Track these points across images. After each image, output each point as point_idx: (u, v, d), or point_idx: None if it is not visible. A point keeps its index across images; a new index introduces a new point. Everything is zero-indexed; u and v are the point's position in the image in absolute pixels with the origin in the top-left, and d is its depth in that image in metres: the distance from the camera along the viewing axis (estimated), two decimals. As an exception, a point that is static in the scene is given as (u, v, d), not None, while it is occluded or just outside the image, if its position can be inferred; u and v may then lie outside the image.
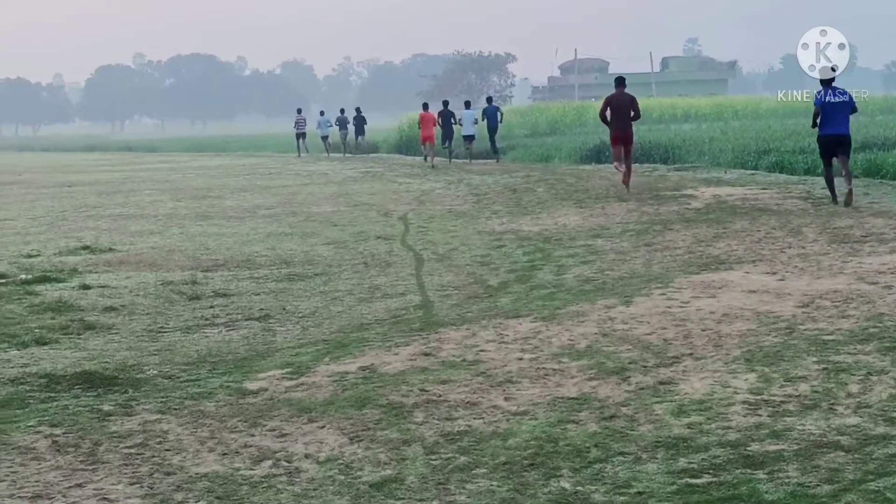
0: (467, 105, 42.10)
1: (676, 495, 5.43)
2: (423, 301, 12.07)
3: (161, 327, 11.09)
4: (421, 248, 16.59)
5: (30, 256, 16.61)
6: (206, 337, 10.58)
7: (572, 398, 7.27)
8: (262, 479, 5.95)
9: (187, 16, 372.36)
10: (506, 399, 7.34)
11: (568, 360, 8.34)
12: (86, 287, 13.40)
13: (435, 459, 6.14)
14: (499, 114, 40.74)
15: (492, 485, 5.70)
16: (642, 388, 7.42)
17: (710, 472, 5.74)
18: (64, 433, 6.93)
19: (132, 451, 6.54)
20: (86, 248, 17.47)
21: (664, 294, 10.76)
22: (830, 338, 8.58)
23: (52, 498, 5.79)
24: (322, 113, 56.18)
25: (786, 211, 17.51)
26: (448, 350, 8.89)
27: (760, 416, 6.67)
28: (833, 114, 18.97)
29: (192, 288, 13.32)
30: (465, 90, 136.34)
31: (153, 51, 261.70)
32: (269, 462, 6.24)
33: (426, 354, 8.78)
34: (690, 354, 8.32)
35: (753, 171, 27.07)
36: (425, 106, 41.98)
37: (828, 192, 18.99)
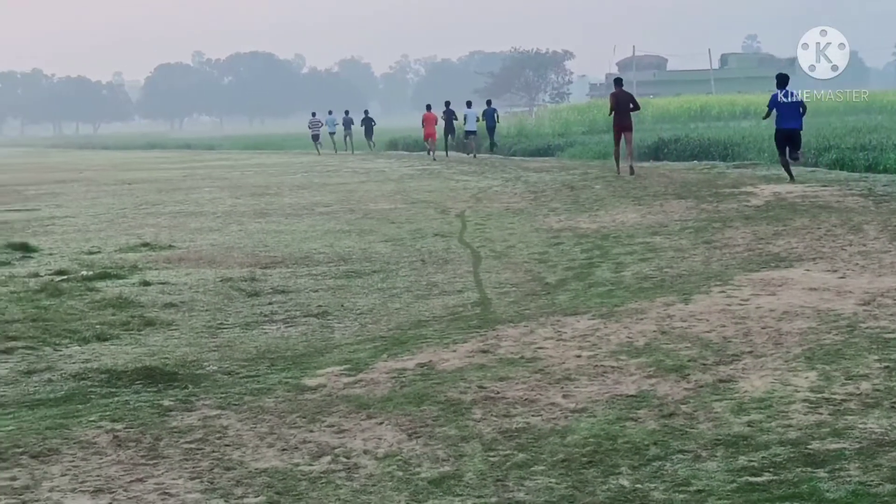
0: (468, 105, 45.81)
1: (736, 493, 5.40)
2: (480, 298, 12.07)
3: (220, 324, 11.15)
4: (478, 245, 16.59)
5: (91, 253, 16.76)
6: (265, 333, 10.63)
7: (631, 396, 7.24)
8: (321, 475, 5.97)
9: (246, 14, 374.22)
10: (564, 396, 7.32)
11: (626, 357, 8.32)
12: (146, 283, 13.50)
13: (493, 456, 6.14)
14: (496, 114, 45.85)
15: (550, 482, 5.69)
16: (702, 386, 7.38)
17: (771, 470, 5.70)
18: (125, 428, 6.99)
19: (192, 446, 6.58)
20: (146, 244, 17.59)
21: (724, 292, 10.69)
22: (892, 336, 8.49)
23: (113, 492, 5.83)
24: (330, 112, 61.25)
25: (846, 208, 17.35)
26: (506, 347, 8.89)
27: (821, 414, 6.62)
28: (786, 112, 23.12)
29: (251, 285, 13.38)
30: (523, 87, 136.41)
31: (212, 49, 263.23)
32: (328, 458, 6.26)
33: (484, 351, 8.78)
34: (750, 352, 8.27)
35: (813, 169, 26.84)
36: (428, 107, 47.31)
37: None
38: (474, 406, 7.16)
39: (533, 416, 6.89)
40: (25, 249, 17.07)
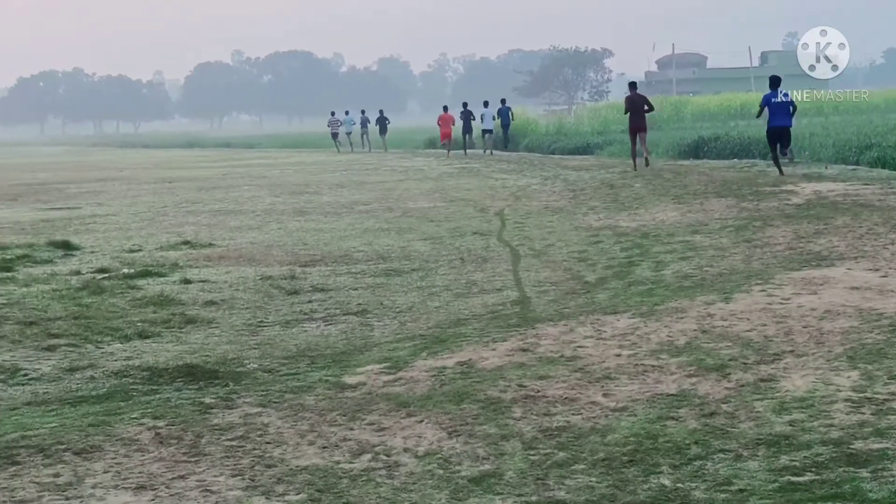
0: (485, 104, 48.11)
1: (778, 493, 5.38)
2: (520, 297, 12.06)
3: (261, 321, 11.19)
4: (517, 243, 16.57)
5: (132, 251, 16.85)
6: (305, 331, 10.66)
7: (672, 395, 7.23)
8: (362, 473, 5.98)
9: (285, 13, 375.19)
10: (604, 395, 7.31)
11: (667, 356, 8.29)
12: (187, 281, 13.56)
13: (533, 455, 6.14)
14: (510, 113, 49.03)
15: (591, 481, 5.69)
16: (743, 385, 7.35)
17: (813, 470, 5.68)
18: (167, 425, 7.02)
19: (233, 443, 6.61)
20: (186, 243, 17.68)
21: (764, 291, 10.64)
22: (935, 335, 8.44)
23: (155, 489, 5.86)
24: (347, 112, 63.53)
25: (889, 207, 17.23)
26: (546, 346, 8.88)
27: (864, 413, 6.58)
28: (778, 111, 25.47)
29: (291, 283, 13.42)
30: (562, 85, 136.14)
31: (251, 48, 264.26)
32: (369, 456, 6.27)
33: (524, 350, 8.78)
34: (792, 351, 8.23)
35: (855, 167, 26.67)
36: (445, 108, 51.49)
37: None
38: (514, 405, 7.16)
39: (573, 414, 6.89)
40: (67, 247, 17.18)
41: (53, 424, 7.17)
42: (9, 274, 14.44)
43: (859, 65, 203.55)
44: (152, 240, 18.31)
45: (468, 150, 48.78)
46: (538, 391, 7.47)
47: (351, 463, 6.16)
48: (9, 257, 16.02)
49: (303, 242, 17.50)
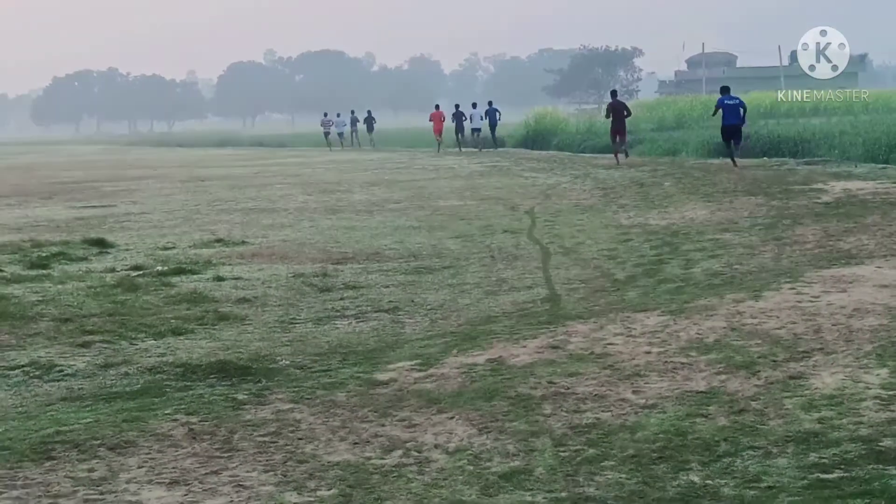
0: (474, 106, 52.31)
1: (807, 490, 5.36)
2: (550, 294, 12.06)
3: (293, 318, 11.22)
4: (548, 241, 16.57)
5: (165, 249, 16.91)
6: (337, 328, 10.69)
7: (701, 392, 7.21)
8: (393, 469, 5.99)
9: (317, 13, 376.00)
10: (634, 392, 7.30)
11: (696, 353, 8.27)
12: (220, 279, 13.61)
13: (563, 451, 6.13)
14: (497, 114, 51.92)
15: (620, 477, 5.68)
16: (772, 383, 7.33)
17: (842, 467, 5.65)
18: (200, 421, 7.05)
19: (266, 439, 6.63)
20: (219, 240, 17.74)
21: (794, 288, 10.59)
22: (965, 333, 8.39)
23: (188, 484, 5.89)
24: (338, 115, 68.21)
25: (918, 205, 17.13)
26: (575, 343, 8.87)
27: (893, 411, 6.55)
28: (729, 111, 29.72)
29: (323, 280, 13.45)
30: (592, 84, 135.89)
31: (284, 47, 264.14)
32: (400, 452, 6.28)
33: (554, 347, 8.77)
34: (821, 349, 8.19)
35: (884, 165, 26.53)
36: (437, 106, 56.09)
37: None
38: (544, 401, 7.16)
39: (603, 411, 6.88)
40: (102, 245, 17.27)
41: (88, 420, 7.21)
42: (44, 271, 14.52)
43: (889, 63, 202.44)
44: (186, 238, 18.38)
45: (462, 149, 51.44)
46: (568, 388, 7.46)
47: (382, 459, 6.17)
48: (44, 255, 16.11)
49: (335, 240, 17.54)
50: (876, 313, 9.27)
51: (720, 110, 30.09)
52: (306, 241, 17.60)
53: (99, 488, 5.84)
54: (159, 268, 14.57)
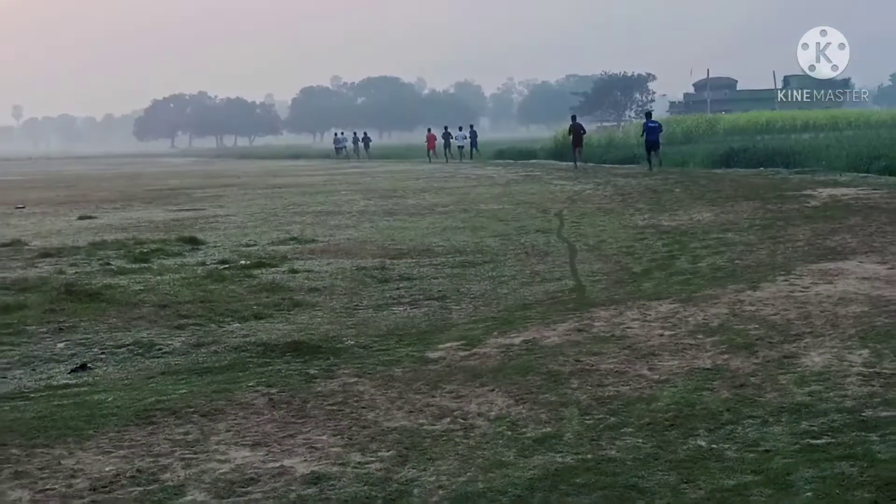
0: (460, 128, 59.91)
1: (799, 454, 5.33)
2: (576, 285, 12.03)
3: (356, 305, 11.25)
4: (574, 240, 16.52)
5: (248, 246, 16.98)
6: (394, 313, 10.70)
7: (707, 369, 7.18)
8: (442, 433, 6.00)
9: (377, 43, 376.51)
10: (649, 369, 7.28)
11: (703, 336, 8.23)
12: (294, 271, 13.65)
13: (588, 419, 6.12)
14: (476, 135, 59.29)
15: (638, 441, 5.67)
16: (768, 361, 7.29)
17: (829, 434, 5.62)
18: (278, 392, 7.08)
19: (334, 407, 6.65)
20: (293, 239, 17.78)
21: (787, 280, 10.53)
22: (937, 319, 8.31)
23: (269, 445, 5.92)
24: (342, 133, 78.48)
25: (895, 209, 16.96)
26: (599, 327, 8.85)
27: (873, 386, 6.50)
28: (650, 132, 35.22)
29: (382, 273, 13.47)
30: (612, 105, 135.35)
31: (348, 73, 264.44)
32: (448, 419, 6.29)
33: (580, 330, 8.75)
34: (811, 333, 8.14)
35: (865, 174, 26.26)
36: (429, 129, 64.50)
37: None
38: (572, 377, 7.15)
39: (622, 385, 6.86)
40: (194, 243, 17.36)
41: (183, 391, 7.26)
42: (146, 265, 14.62)
43: (869, 86, 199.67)
44: (265, 236, 18.45)
45: (450, 160, 56.63)
46: (592, 365, 7.45)
47: (433, 425, 6.18)
48: (146, 251, 16.22)
49: (391, 238, 17.55)
50: (858, 302, 9.20)
51: (645, 131, 35.96)
52: (367, 239, 17.62)
53: (193, 449, 5.88)
54: (242, 262, 14.63)
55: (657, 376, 7.06)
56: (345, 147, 73.97)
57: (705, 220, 17.76)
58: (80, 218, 23.93)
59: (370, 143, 73.10)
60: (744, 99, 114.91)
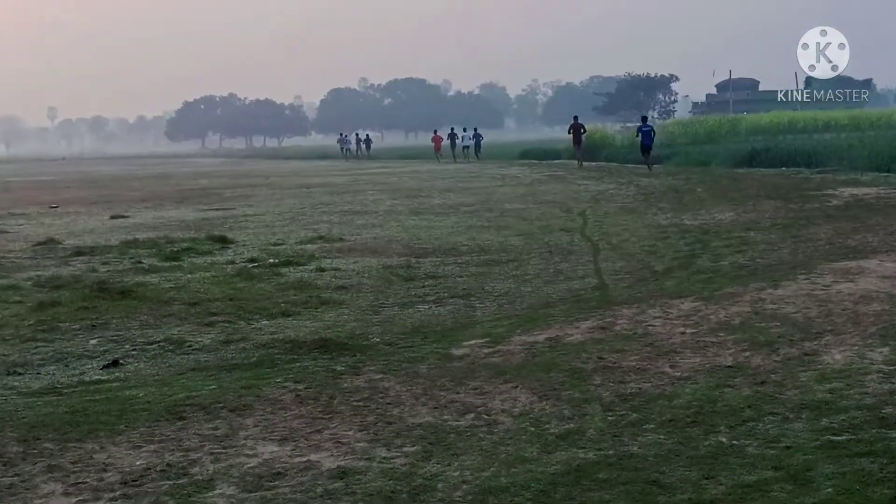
0: (465, 129, 63.99)
1: (819, 450, 5.30)
2: (599, 283, 12.00)
3: (382, 303, 11.25)
4: (597, 238, 16.48)
5: (276, 244, 17.02)
6: (419, 311, 10.70)
7: (728, 366, 7.15)
8: (467, 429, 6.00)
9: (403, 45, 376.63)
10: (671, 366, 7.25)
11: (724, 334, 8.20)
12: (321, 270, 13.67)
13: (611, 416, 6.11)
14: (480, 138, 62.27)
15: (659, 438, 5.65)
16: (789, 359, 7.25)
17: (849, 431, 5.59)
18: (305, 388, 7.09)
19: (360, 403, 6.66)
20: (321, 237, 17.81)
21: (808, 279, 10.47)
22: (957, 318, 8.24)
23: (296, 440, 5.93)
24: (345, 135, 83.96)
25: (916, 208, 16.85)
26: (621, 325, 8.83)
27: (894, 383, 6.45)
28: (645, 135, 37.90)
29: (408, 271, 13.48)
30: (635, 105, 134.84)
31: (375, 75, 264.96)
32: (472, 415, 6.28)
33: (602, 328, 8.73)
34: (831, 330, 8.09)
35: (887, 174, 26.14)
36: (435, 131, 69.13)
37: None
38: (595, 374, 7.13)
39: (644, 382, 6.84)
40: (224, 241, 17.41)
41: (213, 387, 7.29)
42: (176, 263, 14.68)
43: (891, 87, 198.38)
44: (293, 235, 18.49)
45: (458, 160, 60.08)
46: (615, 362, 7.43)
47: (457, 421, 6.18)
48: (176, 249, 16.29)
49: (417, 238, 17.56)
50: (879, 300, 9.15)
51: (639, 133, 38.58)
52: (393, 238, 17.64)
53: (222, 443, 5.90)
54: (271, 260, 14.67)
55: (679, 373, 7.04)
56: (349, 147, 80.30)
57: (727, 219, 17.70)
58: (113, 217, 24.07)
59: (371, 144, 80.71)
60: (765, 100, 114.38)
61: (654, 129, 40.05)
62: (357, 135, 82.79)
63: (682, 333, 8.33)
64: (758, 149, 36.89)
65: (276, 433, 6.09)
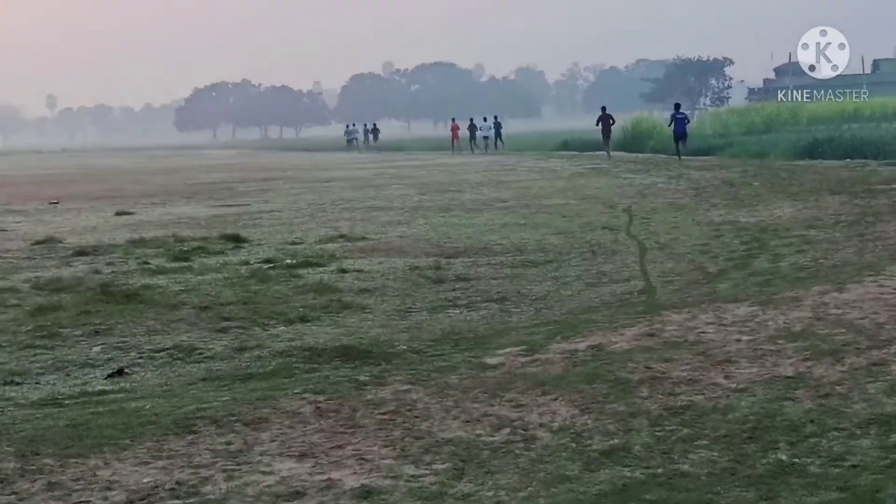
0: (485, 119, 65.26)
1: (890, 469, 5.26)
2: (646, 286, 11.97)
3: (409, 307, 11.26)
4: (644, 237, 16.45)
5: (294, 244, 17.08)
6: (450, 316, 10.71)
7: (788, 377, 7.10)
8: (502, 445, 5.99)
9: (431, 28, 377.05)
10: (725, 377, 7.22)
11: (784, 341, 8.15)
12: (343, 271, 13.70)
13: (659, 431, 6.09)
14: (501, 127, 65.01)
15: (713, 455, 5.62)
16: (856, 369, 7.20)
17: (923, 448, 5.54)
18: (326, 400, 7.10)
19: (385, 417, 6.66)
20: (342, 236, 17.85)
21: (876, 281, 10.39)
22: None
23: (316, 457, 5.94)
24: (353, 124, 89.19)
25: None
26: (670, 331, 8.79)
27: (972, 397, 6.40)
28: (678, 123, 40.66)
29: (437, 273, 13.49)
30: (685, 92, 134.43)
31: (401, 60, 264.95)
32: (508, 430, 6.27)
33: (650, 335, 8.70)
34: (902, 338, 8.03)
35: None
36: (453, 119, 71.79)
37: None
38: (641, 385, 7.11)
39: (696, 394, 6.81)
40: (237, 240, 17.48)
41: (226, 398, 7.31)
42: (186, 263, 14.75)
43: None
44: (312, 233, 18.54)
45: (476, 150, 63.57)
46: (663, 373, 7.40)
47: (491, 436, 6.17)
48: (186, 249, 16.37)
49: (447, 236, 17.57)
50: (955, 305, 9.07)
51: (673, 121, 41.20)
52: (421, 236, 17.66)
53: (235, 460, 5.91)
54: (288, 261, 14.71)
55: (734, 385, 7.00)
56: (356, 138, 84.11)
57: (787, 216, 17.62)
58: (118, 214, 24.21)
59: (378, 134, 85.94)
60: (829, 85, 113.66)
61: (688, 116, 43.37)
62: (366, 125, 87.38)
63: (738, 341, 8.28)
64: (820, 139, 36.74)
65: (294, 449, 6.10)
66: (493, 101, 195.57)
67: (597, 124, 48.45)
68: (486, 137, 63.27)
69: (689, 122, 42.49)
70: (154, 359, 9.09)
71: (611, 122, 47.48)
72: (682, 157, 39.30)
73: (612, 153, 46.06)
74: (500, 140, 63.94)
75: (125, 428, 6.58)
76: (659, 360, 7.76)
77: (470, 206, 23.28)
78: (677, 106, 42.85)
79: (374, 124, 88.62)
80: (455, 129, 67.49)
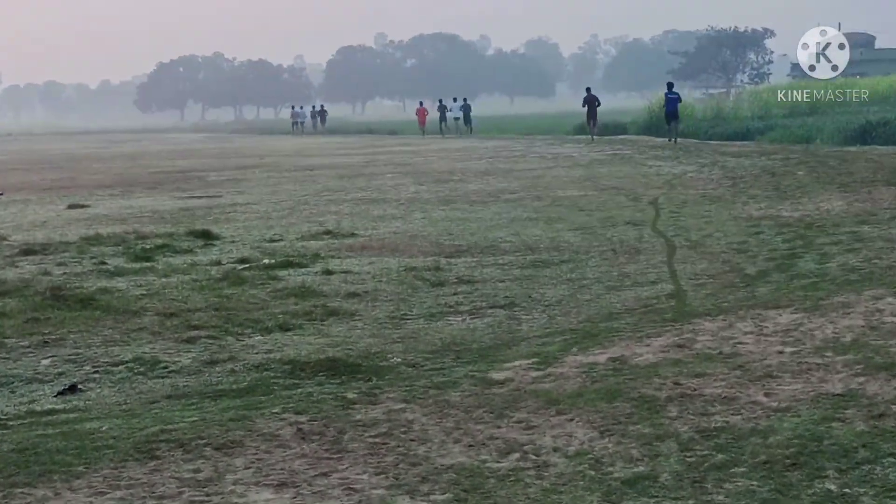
0: (454, 100, 71.45)
1: (953, 501, 5.27)
2: (675, 290, 11.98)
3: (404, 314, 11.27)
4: (673, 234, 16.45)
5: (273, 241, 17.09)
6: (450, 325, 10.71)
7: (837, 395, 7.10)
8: (510, 473, 5.98)
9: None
10: (766, 395, 7.21)
11: (832, 354, 8.15)
12: (328, 272, 13.71)
13: (690, 456, 6.08)
14: (469, 105, 70.53)
15: (751, 484, 5.62)
16: (915, 386, 7.21)
17: None
18: (308, 421, 7.10)
19: (377, 440, 6.65)
20: (328, 232, 17.87)
21: (938, 285, 10.41)
22: None
23: (297, 486, 5.93)
24: (301, 107, 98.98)
25: None
26: (703, 342, 8.79)
27: None
28: (670, 102, 44.73)
29: (436, 274, 13.49)
30: (720, 68, 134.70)
31: (395, 31, 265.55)
32: (517, 455, 6.27)
33: (679, 346, 8.70)
34: (968, 350, 8.03)
35: None
36: (420, 103, 77.54)
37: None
38: (669, 403, 7.10)
39: (732, 414, 6.81)
40: (207, 237, 17.49)
41: (193, 418, 7.30)
42: (148, 264, 14.76)
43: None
44: (293, 229, 18.56)
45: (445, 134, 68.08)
46: (695, 389, 7.40)
47: (498, 462, 6.17)
48: (149, 247, 16.38)
49: (448, 232, 17.58)
50: None
51: (664, 100, 45.72)
52: (418, 233, 17.67)
53: (205, 489, 5.91)
54: (266, 261, 14.72)
55: (775, 404, 7.00)
56: (303, 122, 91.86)
57: (835, 210, 17.63)
58: (70, 207, 24.24)
59: (326, 117, 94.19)
60: (884, 59, 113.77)
61: (680, 96, 47.31)
62: (313, 107, 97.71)
63: (780, 353, 8.29)
64: (873, 122, 36.73)
65: (272, 476, 6.09)
66: (501, 78, 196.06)
67: (583, 106, 52.94)
68: (456, 119, 68.97)
69: (681, 101, 46.60)
70: (111, 373, 9.08)
71: (597, 104, 52.29)
72: (678, 140, 43.17)
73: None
74: (469, 125, 68.71)
75: (78, 453, 6.57)
76: (690, 376, 7.76)
77: (474, 198, 23.31)
78: (670, 85, 47.84)
79: (322, 105, 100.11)
80: (423, 112, 72.47)
